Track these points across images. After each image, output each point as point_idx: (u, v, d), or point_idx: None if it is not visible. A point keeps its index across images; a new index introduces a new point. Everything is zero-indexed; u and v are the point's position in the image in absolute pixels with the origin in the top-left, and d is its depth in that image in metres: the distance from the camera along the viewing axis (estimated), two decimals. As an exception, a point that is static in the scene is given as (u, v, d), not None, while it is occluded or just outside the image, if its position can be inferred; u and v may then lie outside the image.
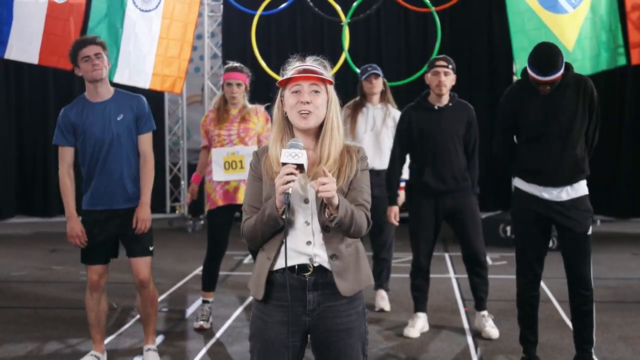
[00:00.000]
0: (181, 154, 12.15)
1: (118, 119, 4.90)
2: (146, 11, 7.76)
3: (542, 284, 6.46)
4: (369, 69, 6.60)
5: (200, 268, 8.14)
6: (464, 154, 5.79)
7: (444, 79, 5.67)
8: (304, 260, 2.99)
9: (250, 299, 6.82)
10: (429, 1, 7.69)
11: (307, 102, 2.96)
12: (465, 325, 6.07)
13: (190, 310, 6.56)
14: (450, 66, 5.73)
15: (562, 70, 4.58)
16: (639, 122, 11.09)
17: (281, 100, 3.07)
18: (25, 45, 7.42)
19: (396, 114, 6.58)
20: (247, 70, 6.08)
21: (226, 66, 6.20)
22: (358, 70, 7.73)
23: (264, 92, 12.07)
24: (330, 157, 2.97)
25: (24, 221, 11.89)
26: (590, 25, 7.36)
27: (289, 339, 3.01)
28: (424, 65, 7.60)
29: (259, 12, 7.87)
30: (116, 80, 7.73)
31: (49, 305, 6.71)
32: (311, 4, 8.11)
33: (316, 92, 3.00)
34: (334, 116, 3.04)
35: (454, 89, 5.86)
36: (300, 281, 3.00)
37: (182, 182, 12.06)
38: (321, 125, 3.02)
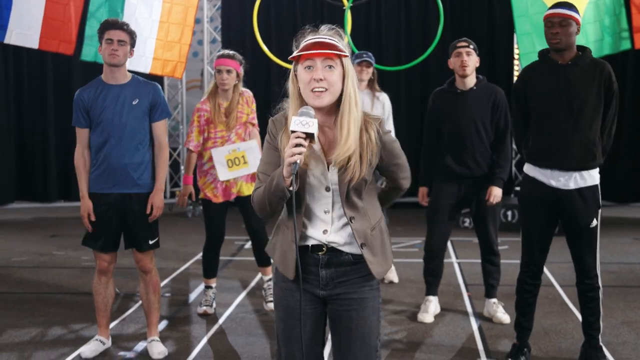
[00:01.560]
0: (181, 139, 12.12)
1: (133, 103, 4.89)
2: (147, -5, 7.71)
3: (545, 269, 6.48)
4: (363, 55, 6.70)
5: (201, 253, 8.16)
6: (490, 138, 5.75)
7: (467, 59, 5.65)
8: (318, 235, 2.97)
9: (253, 283, 6.83)
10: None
11: (321, 79, 2.82)
12: (469, 310, 6.07)
13: (193, 296, 6.55)
14: (472, 46, 5.72)
15: (574, 15, 4.55)
16: (639, 108, 11.07)
17: (295, 75, 2.93)
18: (25, 30, 7.37)
19: (385, 98, 6.82)
20: (239, 58, 5.95)
21: (218, 53, 6.14)
22: (359, 55, 7.71)
23: (264, 75, 12.06)
24: (350, 135, 2.84)
25: (24, 206, 11.87)
26: (594, 10, 7.33)
27: (308, 306, 3.02)
28: (426, 50, 7.60)
29: (260, -4, 7.81)
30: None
31: (51, 291, 6.70)
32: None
33: (330, 67, 2.84)
34: (351, 91, 2.88)
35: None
36: (313, 259, 2.99)
37: (182, 167, 12.03)
38: (339, 101, 2.88)
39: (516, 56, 10.80)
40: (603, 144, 4.68)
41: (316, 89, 2.83)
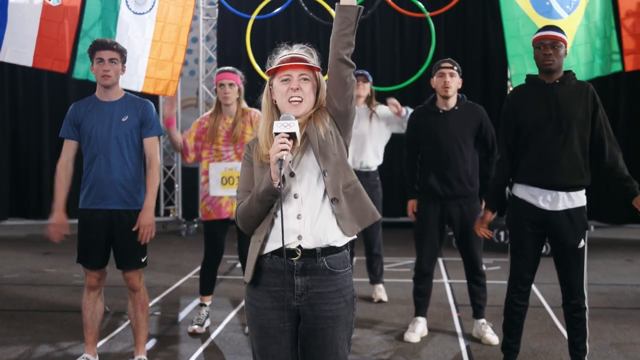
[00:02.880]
0: (175, 157, 12.13)
1: (123, 120, 4.92)
2: (140, 14, 7.73)
3: (535, 289, 6.48)
4: (359, 71, 6.74)
5: (194, 272, 8.15)
6: (473, 158, 5.79)
7: (450, 80, 5.70)
8: (293, 240, 3.01)
9: (243, 302, 6.81)
10: (423, 6, 7.69)
11: (297, 89, 3.04)
12: (458, 330, 6.06)
13: (183, 314, 6.54)
14: (455, 67, 5.77)
15: (564, 37, 4.63)
16: (632, 128, 11.12)
17: (270, 89, 3.15)
18: (20, 48, 7.38)
19: (381, 108, 6.92)
20: (240, 73, 6.08)
21: (218, 69, 6.21)
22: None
23: (258, 95, 12.08)
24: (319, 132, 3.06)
25: (18, 223, 11.86)
26: (585, 32, 7.37)
27: (285, 323, 3.06)
28: (419, 71, 7.64)
29: (254, 16, 7.85)
30: (109, 83, 7.71)
31: (41, 308, 6.69)
32: (306, 8, 8.12)
33: (305, 79, 3.07)
34: (324, 101, 3.12)
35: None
36: (288, 265, 3.02)
37: (176, 186, 12.05)
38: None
39: (509, 76, 10.84)
40: (609, 149, 4.69)
41: (293, 98, 3.04)
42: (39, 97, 11.79)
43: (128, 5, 7.71)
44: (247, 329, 5.97)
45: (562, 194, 4.67)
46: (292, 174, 3.04)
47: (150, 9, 7.80)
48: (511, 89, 11.22)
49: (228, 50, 11.76)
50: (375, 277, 7.04)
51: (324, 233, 3.02)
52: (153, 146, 5.04)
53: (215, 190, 5.94)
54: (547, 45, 4.64)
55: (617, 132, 11.04)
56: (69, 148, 5.02)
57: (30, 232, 11.24)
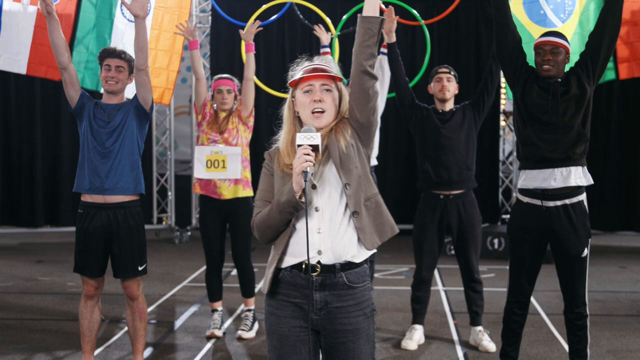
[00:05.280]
0: (168, 165, 12.11)
1: (122, 115, 5.00)
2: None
3: (531, 297, 6.49)
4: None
5: (188, 280, 8.14)
6: (472, 150, 5.83)
7: (447, 84, 5.80)
8: (313, 254, 3.01)
9: (239, 310, 6.80)
10: (418, 15, 7.71)
11: (320, 100, 3.05)
12: (455, 338, 6.06)
13: (178, 323, 6.52)
14: (452, 73, 5.87)
15: (565, 43, 4.72)
16: (625, 136, 11.16)
17: (292, 100, 3.15)
18: (14, 56, 7.36)
19: None
20: (236, 80, 6.18)
21: (215, 76, 6.28)
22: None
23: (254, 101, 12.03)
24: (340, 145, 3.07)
25: (10, 232, 11.81)
26: (579, 40, 7.37)
27: (303, 333, 3.08)
28: (414, 79, 7.65)
29: (249, 24, 7.84)
30: (103, 91, 7.69)
31: (36, 317, 6.66)
32: (301, 16, 8.13)
33: (328, 90, 3.08)
34: (346, 112, 3.15)
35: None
36: (307, 280, 3.03)
37: (169, 193, 12.01)
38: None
39: (502, 84, 10.87)
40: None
41: (316, 110, 3.05)
42: (32, 105, 11.74)
43: (123, 13, 7.69)
44: (246, 334, 5.98)
45: (561, 170, 4.68)
46: (314, 186, 3.04)
47: (145, 17, 7.78)
48: (504, 97, 11.31)
49: (221, 58, 11.75)
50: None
51: (343, 248, 3.03)
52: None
53: (200, 172, 6.02)
54: (547, 51, 4.72)
55: (610, 138, 11.10)
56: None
57: (23, 240, 11.18)
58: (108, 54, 5.05)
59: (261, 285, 3.16)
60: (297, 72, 3.13)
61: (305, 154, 2.90)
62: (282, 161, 3.09)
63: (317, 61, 3.16)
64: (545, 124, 4.70)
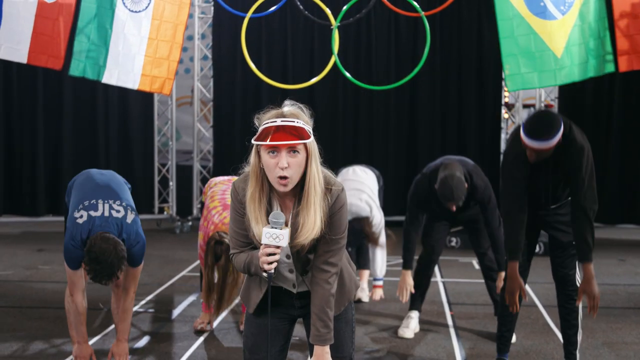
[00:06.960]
0: (170, 155, 12.12)
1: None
2: (136, 12, 7.74)
3: (528, 288, 6.49)
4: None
5: (188, 269, 8.18)
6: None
7: (456, 207, 5.59)
8: (288, 286, 3.18)
9: (237, 300, 6.82)
10: (418, 6, 7.70)
11: (286, 167, 2.83)
12: (451, 329, 6.08)
13: (176, 312, 6.54)
14: (460, 202, 5.57)
15: (552, 142, 4.41)
16: (626, 129, 11.14)
17: (257, 152, 2.91)
18: (15, 45, 7.40)
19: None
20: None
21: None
22: (347, 74, 7.77)
23: (253, 93, 12.06)
24: (317, 217, 2.91)
25: (12, 220, 11.85)
26: (579, 32, 7.38)
27: (281, 323, 3.24)
28: (414, 70, 7.65)
29: (249, 14, 7.85)
30: (105, 80, 7.72)
31: (35, 305, 6.69)
32: (301, 7, 8.12)
33: (294, 152, 2.84)
34: (314, 171, 2.90)
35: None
36: (287, 293, 3.20)
37: (171, 183, 12.03)
38: (302, 178, 2.91)
39: (502, 77, 10.86)
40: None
41: (282, 176, 2.84)
42: (34, 95, 11.76)
43: (124, 3, 7.72)
44: (242, 327, 6.00)
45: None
46: (288, 257, 3.07)
47: (147, 7, 7.81)
48: (506, 88, 11.31)
49: (223, 48, 11.75)
50: (363, 263, 7.08)
51: None
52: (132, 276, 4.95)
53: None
54: (534, 154, 4.50)
55: (612, 132, 11.10)
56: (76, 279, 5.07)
57: (25, 229, 11.22)
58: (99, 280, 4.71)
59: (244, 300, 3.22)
60: (263, 122, 2.86)
61: (269, 253, 2.86)
62: (249, 217, 2.95)
63: (286, 109, 2.90)
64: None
